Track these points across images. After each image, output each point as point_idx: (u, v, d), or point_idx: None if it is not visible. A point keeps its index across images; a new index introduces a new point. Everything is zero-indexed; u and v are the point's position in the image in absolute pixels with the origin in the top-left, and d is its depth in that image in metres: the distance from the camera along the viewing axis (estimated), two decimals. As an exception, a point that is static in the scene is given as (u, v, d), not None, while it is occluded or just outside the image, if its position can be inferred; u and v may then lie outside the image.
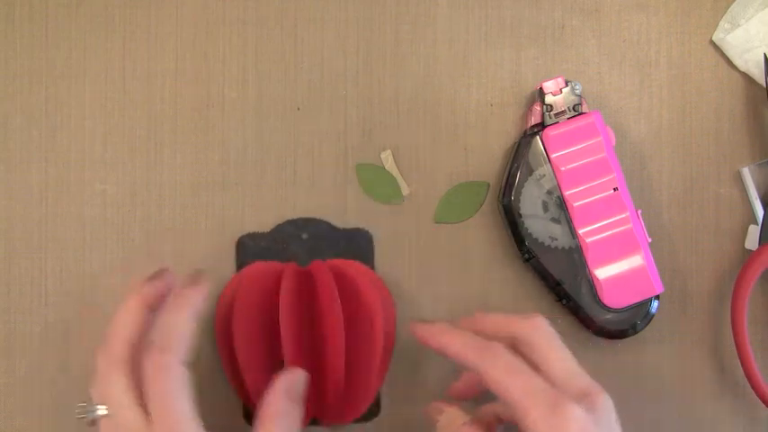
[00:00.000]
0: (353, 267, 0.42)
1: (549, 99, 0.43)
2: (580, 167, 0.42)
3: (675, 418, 0.45)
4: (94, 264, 0.45)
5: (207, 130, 0.45)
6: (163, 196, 0.45)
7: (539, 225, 0.42)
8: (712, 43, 0.46)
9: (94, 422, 0.35)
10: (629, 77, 0.46)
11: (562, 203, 0.42)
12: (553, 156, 0.42)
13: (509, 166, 0.43)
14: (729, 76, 0.46)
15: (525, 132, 0.43)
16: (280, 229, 0.45)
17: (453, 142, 0.45)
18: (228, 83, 0.45)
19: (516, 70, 0.46)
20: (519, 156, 0.42)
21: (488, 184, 0.45)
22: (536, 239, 0.42)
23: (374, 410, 0.44)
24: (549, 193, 0.42)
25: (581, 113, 0.43)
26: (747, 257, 0.44)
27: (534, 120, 0.43)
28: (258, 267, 0.43)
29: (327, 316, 0.40)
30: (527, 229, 0.42)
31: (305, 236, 0.44)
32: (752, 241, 0.45)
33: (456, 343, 0.36)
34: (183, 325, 0.35)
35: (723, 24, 0.45)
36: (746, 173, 0.45)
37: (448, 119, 0.45)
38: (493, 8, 0.46)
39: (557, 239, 0.42)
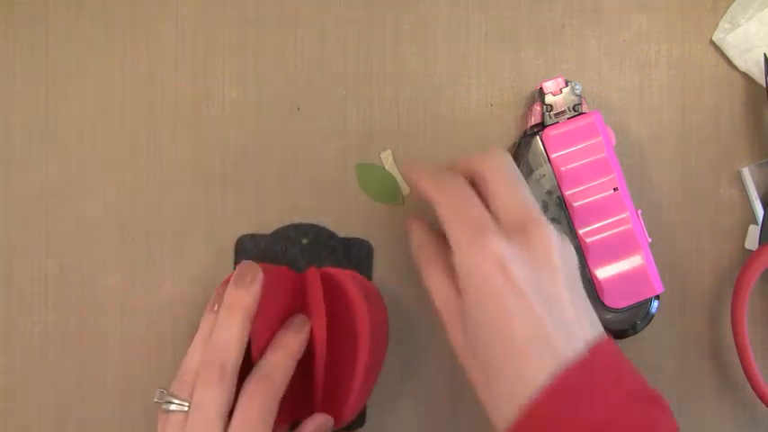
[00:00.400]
0: (348, 277, 0.41)
1: (549, 99, 0.43)
2: (580, 167, 0.42)
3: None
4: (94, 264, 0.45)
5: (207, 130, 0.45)
6: (163, 196, 0.45)
7: None
8: (712, 43, 0.46)
9: (166, 411, 0.36)
10: (629, 77, 0.46)
11: (562, 203, 0.42)
12: (553, 156, 0.42)
13: None
14: (729, 76, 0.46)
15: (525, 132, 0.43)
16: (281, 232, 0.45)
17: (453, 142, 0.45)
18: (228, 83, 0.45)
19: (516, 70, 0.46)
20: (519, 156, 0.42)
21: (488, 184, 0.45)
22: None
23: (359, 421, 0.44)
24: (549, 193, 0.42)
25: (581, 113, 0.43)
26: (747, 257, 0.44)
27: (534, 120, 0.43)
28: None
29: (312, 323, 0.40)
30: None
31: (305, 241, 0.44)
32: (752, 241, 0.45)
33: (423, 176, 0.36)
34: (286, 367, 0.37)
35: (723, 24, 0.45)
36: (746, 173, 0.45)
37: (448, 119, 0.45)
38: (493, 8, 0.46)
39: None
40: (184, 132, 0.45)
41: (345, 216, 0.45)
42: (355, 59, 0.45)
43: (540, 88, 0.43)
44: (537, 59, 0.46)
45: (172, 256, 0.45)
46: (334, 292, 0.40)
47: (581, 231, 0.42)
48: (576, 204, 0.42)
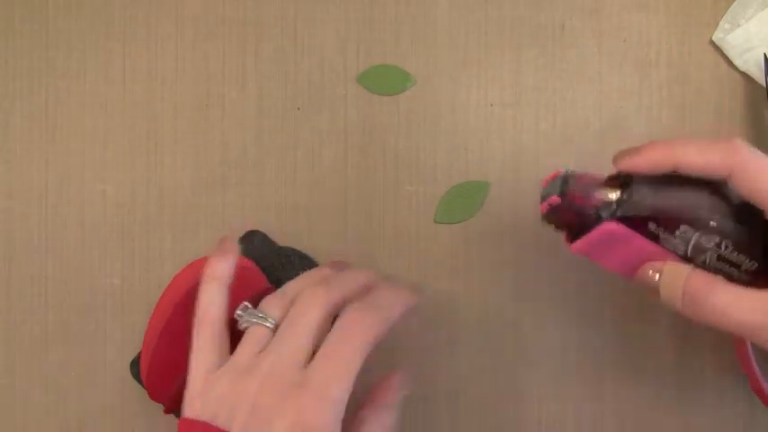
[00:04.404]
0: None
1: None
2: None
3: (676, 418, 0.45)
4: (94, 264, 0.45)
5: (207, 130, 0.45)
6: (163, 196, 0.45)
7: None
8: (712, 43, 0.46)
9: (245, 328, 0.35)
10: (629, 77, 0.46)
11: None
12: None
13: None
14: (729, 76, 0.46)
15: None
16: (288, 251, 0.44)
17: (453, 142, 0.45)
18: (228, 83, 0.45)
19: (516, 70, 0.46)
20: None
21: (488, 184, 0.45)
22: None
23: None
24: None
25: None
26: (747, 257, 0.44)
27: None
28: (242, 263, 0.43)
29: None
30: None
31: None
32: (752, 241, 0.45)
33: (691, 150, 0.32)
34: (396, 304, 0.36)
35: (723, 24, 0.45)
36: (746, 173, 0.45)
37: (448, 119, 0.45)
38: (493, 8, 0.46)
39: None
40: (184, 132, 0.45)
41: (346, 216, 0.45)
42: (355, 59, 0.45)
43: None
44: (537, 59, 0.46)
45: (172, 256, 0.45)
46: None
47: None
48: None
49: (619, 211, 0.32)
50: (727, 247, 0.32)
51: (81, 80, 0.45)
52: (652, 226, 0.32)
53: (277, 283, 0.44)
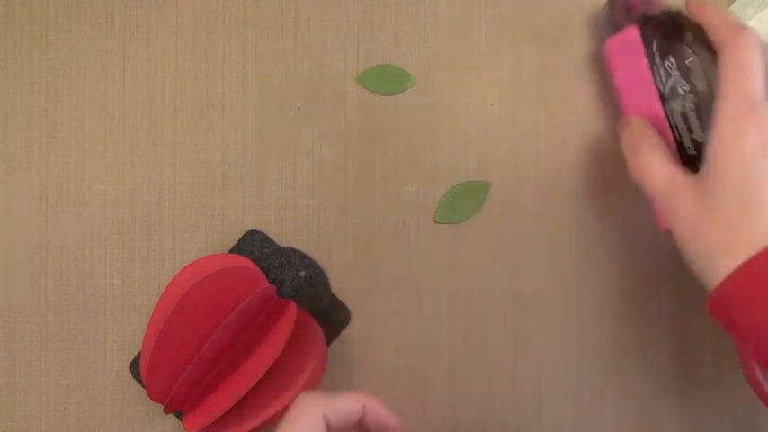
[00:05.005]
0: (312, 327, 0.42)
1: None
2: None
3: (675, 418, 0.45)
4: (94, 264, 0.45)
5: (207, 130, 0.45)
6: (163, 196, 0.45)
7: None
8: (712, 43, 0.46)
9: None
10: (629, 77, 0.46)
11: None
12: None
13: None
14: (729, 76, 0.46)
15: (651, 13, 0.41)
16: (288, 251, 0.44)
17: (453, 142, 0.45)
18: (228, 83, 0.45)
19: (516, 70, 0.46)
20: (656, 35, 0.40)
21: (488, 184, 0.45)
22: None
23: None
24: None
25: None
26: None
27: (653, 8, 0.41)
28: (242, 263, 0.43)
29: (266, 350, 0.40)
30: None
31: (302, 274, 0.44)
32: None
33: (723, 17, 0.37)
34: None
35: (723, 24, 0.45)
36: (746, 173, 0.45)
37: (448, 118, 0.45)
38: (493, 8, 0.46)
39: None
40: (184, 132, 0.45)
41: (345, 215, 0.45)
42: (355, 59, 0.45)
43: None
44: (537, 59, 0.46)
45: (172, 256, 0.45)
46: (299, 334, 0.41)
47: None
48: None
49: (644, 18, 0.40)
50: (693, 101, 0.39)
51: (81, 80, 0.45)
52: (655, 46, 0.40)
53: (277, 282, 0.44)
